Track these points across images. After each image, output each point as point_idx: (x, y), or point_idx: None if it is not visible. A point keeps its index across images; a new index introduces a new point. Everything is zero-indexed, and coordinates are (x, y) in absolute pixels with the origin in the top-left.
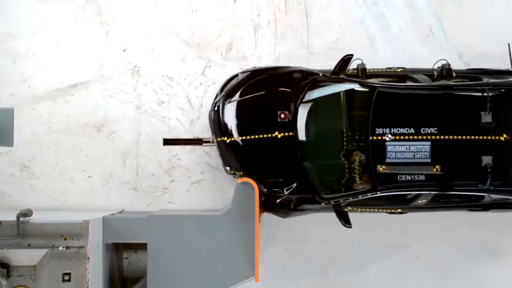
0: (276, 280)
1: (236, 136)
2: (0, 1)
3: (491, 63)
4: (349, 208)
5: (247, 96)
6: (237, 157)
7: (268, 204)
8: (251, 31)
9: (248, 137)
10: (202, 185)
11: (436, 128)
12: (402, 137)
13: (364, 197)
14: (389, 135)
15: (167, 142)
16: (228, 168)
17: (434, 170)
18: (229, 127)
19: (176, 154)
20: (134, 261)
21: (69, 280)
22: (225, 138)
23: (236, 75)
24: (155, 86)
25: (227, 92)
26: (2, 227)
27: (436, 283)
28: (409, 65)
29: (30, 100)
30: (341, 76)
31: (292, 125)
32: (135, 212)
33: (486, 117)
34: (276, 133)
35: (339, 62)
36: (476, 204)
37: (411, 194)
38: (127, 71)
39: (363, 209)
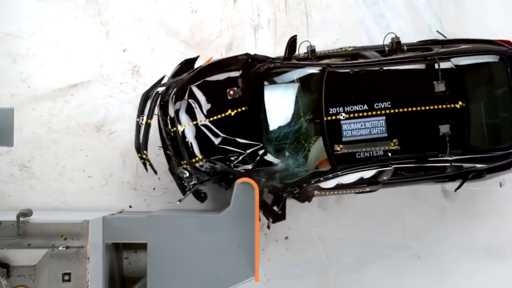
0: (276, 280)
1: (191, 123)
2: (0, 1)
3: None
4: (317, 192)
5: (197, 83)
6: (198, 141)
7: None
8: (251, 31)
9: (207, 121)
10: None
11: (389, 102)
12: (356, 115)
13: (326, 179)
14: (343, 114)
15: None
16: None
17: (392, 144)
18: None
19: None
20: (134, 261)
21: (69, 280)
22: (183, 126)
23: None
24: None
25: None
26: (2, 227)
27: (436, 283)
28: None
29: (30, 100)
30: (293, 61)
31: (243, 99)
32: (135, 212)
33: (439, 86)
34: (229, 111)
35: (287, 47)
36: (441, 176)
37: (371, 171)
38: (127, 71)
39: (331, 192)
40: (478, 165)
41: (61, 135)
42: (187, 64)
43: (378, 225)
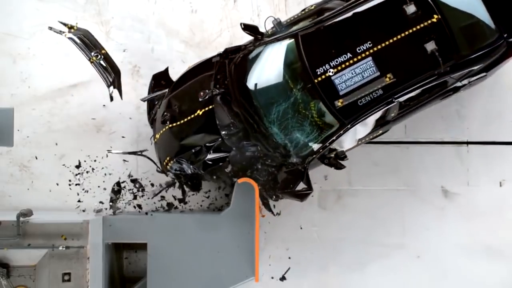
0: (276, 280)
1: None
2: (0, 1)
3: None
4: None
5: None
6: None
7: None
8: None
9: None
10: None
11: (369, 42)
12: (343, 66)
13: (339, 137)
14: (331, 70)
15: None
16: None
17: (387, 79)
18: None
19: None
20: (134, 261)
21: (69, 280)
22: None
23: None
24: None
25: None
26: (2, 227)
27: (436, 283)
28: None
29: (30, 100)
30: (264, 39)
31: (210, 101)
32: (135, 212)
33: (410, 9)
34: (198, 111)
35: (249, 33)
36: (445, 91)
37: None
38: (127, 71)
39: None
40: (475, 67)
41: (61, 135)
42: (160, 78)
43: (378, 225)
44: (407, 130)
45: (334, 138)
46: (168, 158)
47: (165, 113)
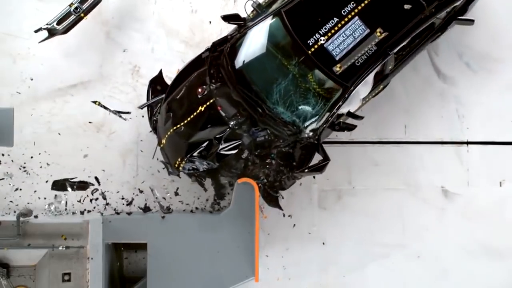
0: (276, 280)
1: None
2: (0, 1)
3: (491, 63)
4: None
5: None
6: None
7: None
8: None
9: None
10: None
11: (352, 2)
12: (333, 31)
13: (345, 101)
14: (322, 38)
15: None
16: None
17: (378, 34)
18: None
19: None
20: (134, 261)
21: (69, 280)
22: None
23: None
24: None
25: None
26: (2, 227)
27: (436, 283)
28: (409, 66)
29: (30, 100)
30: (248, 24)
31: (210, 95)
32: (135, 212)
33: None
34: (199, 108)
35: (232, 22)
36: (434, 32)
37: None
38: (127, 71)
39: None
40: (457, 2)
41: (61, 135)
42: (155, 82)
43: (378, 225)
44: (407, 130)
45: (340, 103)
46: (179, 159)
47: (167, 117)
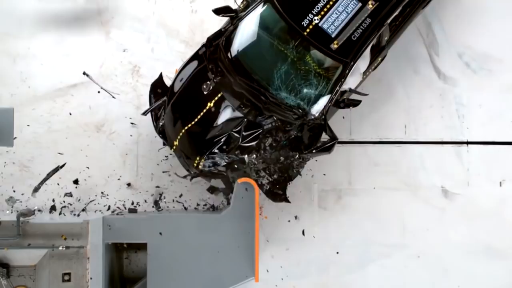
0: (276, 280)
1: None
2: (0, 1)
3: (492, 63)
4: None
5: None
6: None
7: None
8: None
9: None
10: (203, 185)
11: None
12: (325, 9)
13: (348, 76)
14: (315, 18)
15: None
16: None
17: (371, 6)
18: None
19: None
20: (134, 261)
21: (69, 280)
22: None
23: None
24: None
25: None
26: (2, 227)
27: (436, 283)
28: (409, 66)
29: (30, 100)
30: (239, 15)
31: (216, 90)
32: (135, 212)
33: None
34: (208, 104)
35: (224, 15)
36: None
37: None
38: (127, 71)
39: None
40: None
41: (61, 135)
42: (156, 86)
43: (378, 225)
44: (407, 130)
45: (342, 80)
46: (198, 158)
47: (175, 118)
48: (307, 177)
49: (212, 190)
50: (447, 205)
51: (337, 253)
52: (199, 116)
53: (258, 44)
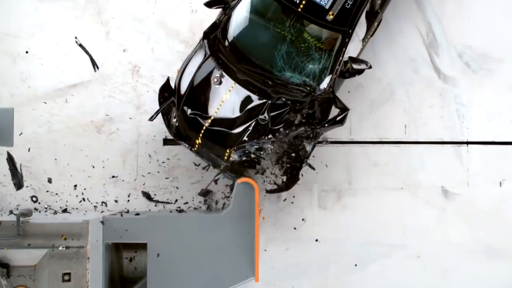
0: (276, 280)
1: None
2: (0, 1)
3: (492, 63)
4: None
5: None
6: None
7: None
8: None
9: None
10: (203, 185)
11: None
12: None
13: (348, 47)
14: None
15: (167, 142)
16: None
17: None
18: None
19: (176, 154)
20: (134, 261)
21: (69, 280)
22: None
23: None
24: (155, 86)
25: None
26: (2, 227)
27: (436, 283)
28: (409, 66)
29: (30, 100)
30: (231, 4)
31: (228, 80)
32: (134, 212)
33: None
34: (223, 96)
35: (216, 7)
36: None
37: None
38: (127, 71)
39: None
40: None
41: (61, 135)
42: (164, 90)
43: (378, 225)
44: (407, 130)
45: (344, 49)
46: (228, 150)
47: (191, 117)
48: (307, 177)
49: (204, 194)
50: (447, 205)
51: (337, 253)
52: (217, 110)
53: (253, 28)
